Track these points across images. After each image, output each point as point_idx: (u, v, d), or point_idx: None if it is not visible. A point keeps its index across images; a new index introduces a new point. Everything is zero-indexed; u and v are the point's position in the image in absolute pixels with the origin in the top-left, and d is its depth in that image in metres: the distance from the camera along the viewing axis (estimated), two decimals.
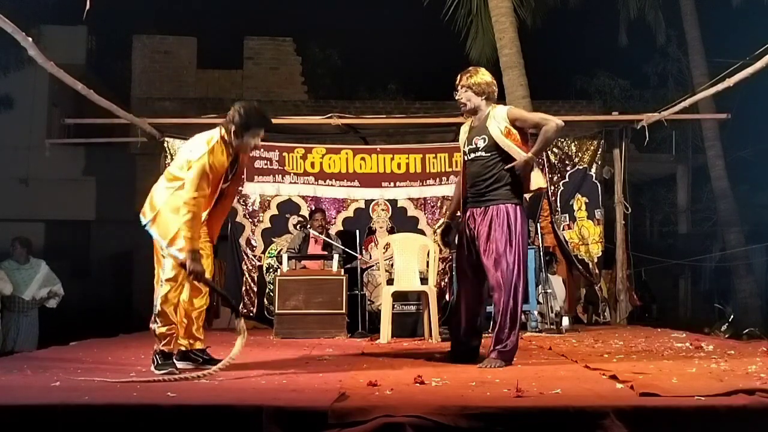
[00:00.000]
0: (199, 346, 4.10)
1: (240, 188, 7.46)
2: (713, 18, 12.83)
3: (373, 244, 7.99)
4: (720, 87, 6.31)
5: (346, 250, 6.94)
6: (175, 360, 3.88)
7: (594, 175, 8.00)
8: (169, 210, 3.80)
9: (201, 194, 3.71)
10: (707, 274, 13.89)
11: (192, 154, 3.80)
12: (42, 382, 3.32)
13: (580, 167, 8.00)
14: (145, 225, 3.90)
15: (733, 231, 12.12)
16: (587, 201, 7.94)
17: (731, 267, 12.24)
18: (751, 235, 12.22)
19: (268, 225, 7.99)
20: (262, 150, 7.95)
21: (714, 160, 12.16)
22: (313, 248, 7.26)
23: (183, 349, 4.00)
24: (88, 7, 4.26)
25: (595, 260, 7.89)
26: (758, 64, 5.33)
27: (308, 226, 7.27)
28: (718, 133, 12.15)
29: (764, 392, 2.67)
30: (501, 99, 8.91)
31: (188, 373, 3.54)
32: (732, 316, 9.20)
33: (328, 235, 7.23)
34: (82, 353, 4.74)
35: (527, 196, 4.25)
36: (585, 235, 7.90)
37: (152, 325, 3.84)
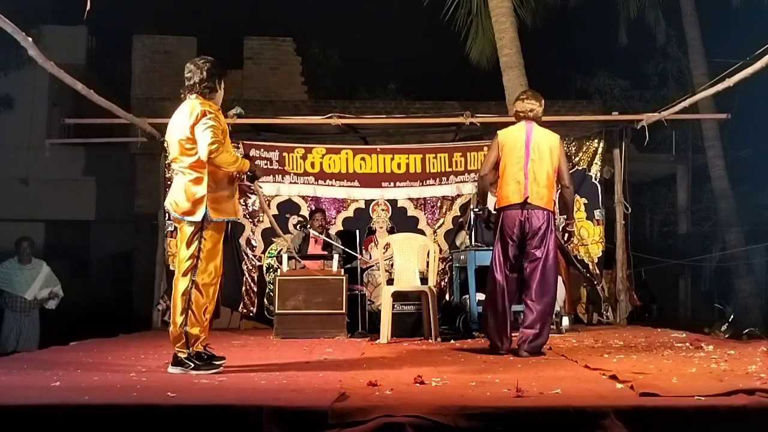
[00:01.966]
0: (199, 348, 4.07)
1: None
2: (713, 18, 12.79)
3: (373, 244, 7.99)
4: (720, 87, 6.29)
5: (346, 250, 6.94)
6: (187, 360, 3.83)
7: (593, 176, 7.98)
8: (180, 187, 3.88)
9: (217, 139, 3.76)
10: (707, 274, 13.85)
11: (190, 129, 3.82)
12: (42, 382, 3.32)
13: (580, 168, 7.98)
14: (173, 218, 4.02)
15: (733, 231, 12.09)
16: (586, 202, 7.92)
17: (731, 267, 12.21)
18: (751, 235, 12.19)
19: (268, 225, 7.99)
20: (261, 150, 7.96)
21: (714, 160, 12.14)
22: (313, 248, 7.27)
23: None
24: (88, 7, 4.25)
25: (595, 260, 7.87)
26: (758, 64, 5.31)
27: (308, 226, 7.27)
28: (718, 133, 12.12)
29: (764, 392, 2.68)
30: (501, 99, 9.02)
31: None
32: (732, 316, 9.15)
33: (328, 235, 7.23)
34: (82, 353, 4.75)
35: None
36: (584, 235, 7.89)
37: (183, 328, 3.76)
